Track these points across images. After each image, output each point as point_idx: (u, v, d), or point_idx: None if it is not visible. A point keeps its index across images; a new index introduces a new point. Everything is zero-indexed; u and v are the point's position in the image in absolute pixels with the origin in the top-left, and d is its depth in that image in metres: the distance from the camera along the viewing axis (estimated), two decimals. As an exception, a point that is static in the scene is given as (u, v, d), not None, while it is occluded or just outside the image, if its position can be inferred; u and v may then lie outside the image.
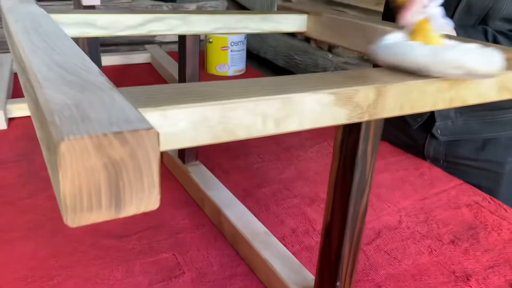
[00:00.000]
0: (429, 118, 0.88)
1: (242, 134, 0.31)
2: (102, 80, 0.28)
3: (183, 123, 0.28)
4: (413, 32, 0.46)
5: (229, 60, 1.47)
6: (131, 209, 0.21)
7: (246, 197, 0.75)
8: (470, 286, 0.57)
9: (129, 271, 0.58)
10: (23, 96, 1.09)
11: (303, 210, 0.72)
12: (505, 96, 0.47)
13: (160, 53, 1.54)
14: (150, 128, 0.21)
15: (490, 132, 0.84)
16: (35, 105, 0.26)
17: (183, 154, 0.80)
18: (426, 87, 0.40)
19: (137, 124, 0.21)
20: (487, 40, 0.71)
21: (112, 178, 0.20)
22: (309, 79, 0.36)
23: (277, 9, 0.88)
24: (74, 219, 0.20)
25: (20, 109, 1.04)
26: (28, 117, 1.05)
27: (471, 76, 0.40)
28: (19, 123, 1.02)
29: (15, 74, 1.33)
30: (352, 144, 0.41)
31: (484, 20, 0.76)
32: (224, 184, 0.74)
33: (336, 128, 0.43)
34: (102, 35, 0.63)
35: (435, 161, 0.91)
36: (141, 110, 0.26)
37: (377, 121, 0.41)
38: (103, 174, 0.20)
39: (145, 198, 0.22)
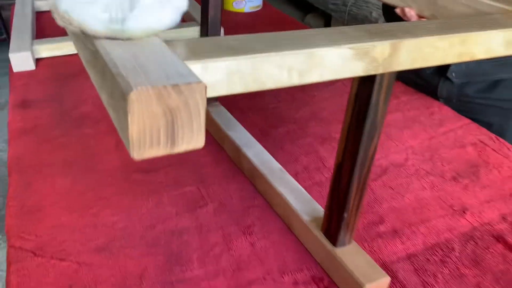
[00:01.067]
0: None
1: (269, 84, 0.35)
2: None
3: (220, 74, 0.32)
4: None
5: (245, -4, 1.47)
6: (182, 146, 0.27)
7: (262, 137, 0.81)
8: (466, 219, 0.63)
9: (159, 202, 0.65)
10: (47, 36, 1.13)
11: (315, 148, 0.78)
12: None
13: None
14: (200, 81, 0.25)
15: (502, 73, 0.86)
16: (94, 55, 0.31)
17: (203, 95, 0.84)
18: (438, 43, 0.43)
19: (189, 78, 0.25)
20: None
21: (169, 121, 0.25)
22: (331, 34, 0.39)
23: None
24: (139, 153, 0.26)
25: (47, 50, 1.08)
26: (55, 57, 1.09)
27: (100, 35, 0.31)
28: (47, 63, 1.06)
29: (37, 13, 1.36)
30: (366, 94, 0.45)
31: None
32: (241, 124, 0.79)
33: (352, 78, 0.46)
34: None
35: (447, 101, 0.94)
36: (187, 63, 0.30)
37: (390, 73, 0.44)
38: (162, 118, 0.25)
39: (194, 138, 0.27)
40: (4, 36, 2.44)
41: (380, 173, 0.71)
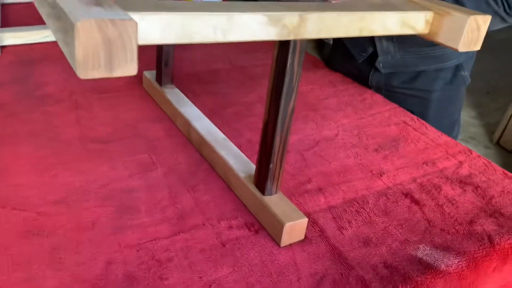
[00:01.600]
0: (373, 54, 1.02)
1: (198, 39, 0.44)
2: None
3: (154, 25, 0.41)
4: None
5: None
6: (118, 72, 0.35)
7: (212, 115, 0.89)
8: (382, 180, 0.73)
9: (113, 166, 0.72)
10: (11, 26, 1.18)
11: (258, 125, 0.86)
12: (406, 31, 0.60)
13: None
14: (132, 19, 0.34)
15: (422, 65, 0.99)
16: (52, 5, 0.39)
17: (160, 78, 0.92)
18: (339, 18, 0.53)
19: (124, 16, 0.34)
20: None
21: (107, 49, 0.34)
22: (254, 5, 0.49)
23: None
24: (84, 74, 0.34)
25: (11, 38, 1.13)
26: (19, 45, 1.15)
27: None
28: (11, 50, 1.12)
29: (2, 5, 1.41)
30: (283, 57, 0.55)
31: None
32: (194, 104, 0.87)
33: (273, 46, 0.56)
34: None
35: (377, 90, 1.05)
36: (128, 12, 0.39)
37: (301, 40, 0.54)
38: (102, 45, 0.33)
39: (127, 66, 0.35)
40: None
41: (313, 145, 0.81)
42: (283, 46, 0.54)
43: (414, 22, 0.60)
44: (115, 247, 0.57)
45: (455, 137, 1.11)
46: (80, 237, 0.58)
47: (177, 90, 0.91)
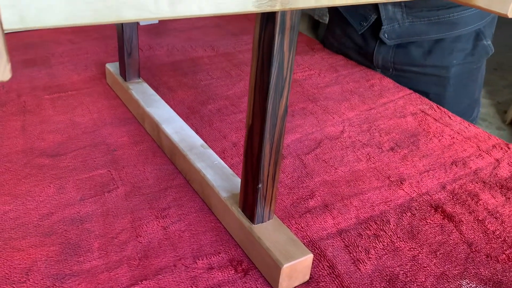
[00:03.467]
0: (376, 23, 0.85)
1: (129, 15, 0.28)
2: None
3: None
4: None
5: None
6: None
7: (191, 114, 0.74)
8: (403, 189, 0.58)
9: (61, 187, 0.56)
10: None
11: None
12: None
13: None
14: None
15: (436, 33, 0.82)
16: None
17: (124, 71, 0.76)
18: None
19: None
20: None
21: None
22: None
23: None
24: None
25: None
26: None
27: None
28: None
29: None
30: (268, 37, 0.39)
31: None
32: (168, 102, 0.71)
33: (255, 23, 0.40)
34: None
35: (384, 70, 0.89)
36: None
37: (292, 12, 0.38)
38: None
39: None
40: None
41: (314, 146, 0.66)
42: (268, 20, 0.38)
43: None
44: (52, 307, 0.42)
45: (474, 120, 0.96)
46: (5, 295, 0.43)
47: (145, 85, 0.75)
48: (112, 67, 0.79)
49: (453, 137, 0.69)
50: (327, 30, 1.02)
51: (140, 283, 0.45)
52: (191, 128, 0.64)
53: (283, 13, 0.37)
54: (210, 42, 1.01)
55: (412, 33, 0.83)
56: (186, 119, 0.70)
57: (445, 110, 0.76)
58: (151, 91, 0.74)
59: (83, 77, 0.83)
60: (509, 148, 0.68)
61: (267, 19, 0.37)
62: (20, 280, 0.44)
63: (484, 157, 0.65)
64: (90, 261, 0.47)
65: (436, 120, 0.73)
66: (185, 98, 0.78)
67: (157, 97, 0.72)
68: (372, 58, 0.89)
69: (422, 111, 0.75)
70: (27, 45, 0.96)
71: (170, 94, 0.79)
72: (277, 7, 0.34)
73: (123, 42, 0.70)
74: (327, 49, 0.98)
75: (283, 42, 0.38)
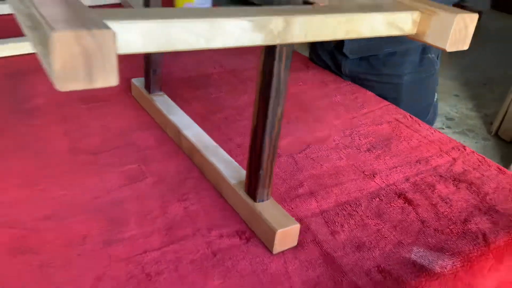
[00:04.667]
0: (341, 42, 1.03)
1: (180, 45, 0.43)
2: (79, 2, 0.40)
3: (134, 33, 0.40)
4: None
5: (195, 0, 1.55)
6: (98, 83, 0.34)
7: (203, 121, 0.88)
8: (374, 181, 0.73)
9: (103, 178, 0.71)
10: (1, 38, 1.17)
11: (249, 130, 0.86)
12: (393, 32, 0.59)
13: (129, -6, 1.60)
14: (110, 29, 0.33)
15: (387, 48, 1.00)
16: (28, 15, 0.38)
17: (149, 85, 0.92)
18: (326, 20, 0.52)
19: (102, 27, 0.33)
20: None
21: (86, 60, 0.33)
22: (236, 11, 0.48)
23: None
24: (62, 86, 0.33)
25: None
26: (6, 57, 1.14)
27: None
28: (-1, 63, 1.11)
29: (-10, 17, 1.40)
30: (270, 63, 0.54)
31: None
32: (184, 111, 0.86)
33: (260, 52, 0.55)
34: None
35: (353, 79, 1.06)
36: (105, 21, 0.38)
37: (287, 45, 0.53)
38: (80, 57, 0.33)
39: (108, 77, 0.34)
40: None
41: (304, 147, 0.81)
42: (269, 51, 0.53)
43: (402, 23, 0.59)
44: (105, 261, 0.56)
45: (430, 121, 1.12)
46: (69, 253, 0.58)
47: (166, 97, 0.91)
48: (138, 82, 0.95)
49: (420, 141, 0.84)
50: (311, 49, 1.19)
51: (168, 246, 0.59)
52: (205, 132, 0.79)
53: (281, 46, 0.52)
54: (219, 61, 1.17)
55: (370, 49, 1.01)
56: (200, 125, 0.85)
57: (416, 119, 0.91)
58: (171, 102, 0.89)
59: (112, 91, 0.98)
60: (465, 149, 0.82)
61: (270, 50, 0.53)
62: (79, 243, 0.59)
63: (444, 156, 0.80)
64: (129, 231, 0.61)
65: (407, 127, 0.88)
66: (198, 108, 0.93)
67: (176, 107, 0.87)
68: (341, 69, 1.07)
69: (396, 120, 0.90)
70: (62, 62, 1.12)
71: (186, 105, 0.94)
72: (277, 42, 0.49)
73: (151, 62, 0.86)
74: (319, 67, 1.13)
75: (281, 66, 0.53)
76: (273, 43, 0.49)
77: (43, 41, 0.34)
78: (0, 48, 1.12)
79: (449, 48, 0.59)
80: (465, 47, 0.60)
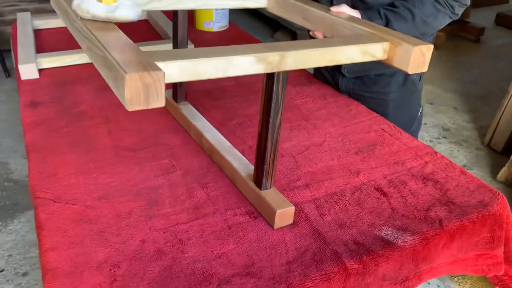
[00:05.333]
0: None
1: (204, 76, 0.62)
2: (135, 46, 0.59)
3: (174, 69, 0.58)
4: None
5: (214, 18, 1.74)
6: (152, 105, 0.53)
7: (220, 127, 1.07)
8: (358, 178, 0.90)
9: (141, 169, 0.90)
10: (45, 50, 1.37)
11: (259, 134, 1.04)
12: (367, 59, 0.77)
13: (156, 11, 1.80)
14: (161, 71, 0.52)
15: (379, 70, 1.17)
16: (103, 57, 0.57)
17: (176, 96, 1.10)
18: (311, 53, 0.70)
19: (156, 69, 0.52)
20: (380, 17, 1.01)
21: (145, 91, 0.52)
22: (243, 47, 0.66)
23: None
24: (130, 108, 0.51)
25: (48, 62, 1.32)
26: (55, 68, 1.33)
27: (100, 18, 0.71)
28: (48, 73, 1.31)
29: (35, 31, 1.60)
30: (270, 85, 0.72)
31: None
32: (204, 117, 1.05)
33: (263, 77, 0.73)
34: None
35: (348, 94, 1.24)
36: (156, 62, 0.56)
37: (283, 72, 0.71)
38: (142, 89, 0.51)
39: (158, 101, 0.53)
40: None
41: (303, 150, 0.98)
42: (270, 76, 0.71)
43: (374, 51, 0.77)
44: (147, 230, 0.75)
45: (414, 132, 1.29)
46: (119, 223, 0.76)
47: (190, 106, 1.09)
48: (167, 93, 1.14)
49: (400, 147, 1.01)
50: (315, 67, 1.38)
51: (194, 221, 0.77)
52: (222, 135, 0.97)
53: (278, 72, 0.71)
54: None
55: (364, 69, 1.18)
56: (218, 129, 1.03)
57: (399, 129, 1.08)
58: (194, 110, 1.08)
59: (145, 99, 1.17)
60: (436, 154, 0.99)
61: (270, 75, 0.71)
62: (126, 217, 0.77)
63: (418, 160, 0.97)
64: (164, 209, 0.80)
65: (391, 135, 1.05)
66: (216, 115, 1.12)
67: (199, 114, 1.06)
68: (339, 86, 1.24)
69: (382, 129, 1.08)
70: (99, 74, 1.31)
71: (206, 112, 1.12)
72: (275, 70, 0.67)
73: (178, 77, 1.04)
74: (321, 82, 1.31)
75: (278, 87, 0.71)
76: (272, 71, 0.68)
77: (118, 79, 0.53)
78: (50, 60, 1.32)
79: (411, 71, 0.76)
80: (424, 69, 0.78)
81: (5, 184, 1.84)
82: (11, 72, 2.79)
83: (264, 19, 3.85)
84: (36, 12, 2.93)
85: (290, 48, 0.68)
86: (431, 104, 2.68)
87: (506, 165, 1.96)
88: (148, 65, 0.54)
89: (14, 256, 1.51)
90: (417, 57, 0.75)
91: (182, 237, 0.74)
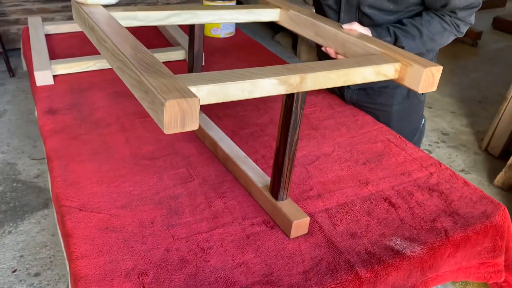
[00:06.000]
0: None
1: (232, 98, 0.66)
2: (167, 69, 0.63)
3: (204, 92, 0.63)
4: None
5: (221, 25, 1.78)
6: (187, 128, 0.57)
7: (233, 136, 1.11)
8: (367, 188, 0.95)
9: (160, 178, 0.94)
10: (58, 58, 1.40)
11: (271, 143, 1.08)
12: (380, 78, 0.81)
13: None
14: (197, 97, 0.56)
15: (383, 82, 1.21)
16: (138, 81, 0.61)
17: (189, 105, 1.14)
18: (329, 75, 0.74)
19: (192, 95, 0.56)
20: (390, 34, 1.05)
21: (182, 115, 0.56)
22: (267, 70, 0.70)
23: (260, 2, 1.20)
24: (168, 131, 0.56)
25: (62, 68, 1.36)
26: (69, 74, 1.37)
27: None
28: (62, 79, 1.34)
29: (46, 35, 1.63)
30: (289, 104, 0.76)
31: (358, 6, 1.12)
32: (218, 126, 1.09)
33: (282, 96, 0.77)
34: (140, 25, 0.96)
35: (352, 104, 1.28)
36: (189, 87, 0.60)
37: (302, 92, 0.75)
38: (179, 114, 0.55)
39: (193, 124, 0.57)
40: (0, 49, 2.67)
41: (314, 159, 1.03)
42: (290, 96, 0.75)
43: (386, 71, 0.81)
44: (170, 239, 0.79)
45: (416, 143, 1.34)
46: (143, 232, 0.80)
47: (204, 115, 1.13)
48: (181, 102, 1.17)
49: (406, 158, 1.06)
50: None
51: (214, 230, 0.81)
52: (236, 144, 1.02)
53: (298, 93, 0.75)
54: (243, 82, 1.39)
55: (368, 83, 1.22)
56: (231, 138, 1.07)
57: (404, 139, 1.13)
58: (208, 119, 1.12)
59: (159, 107, 1.21)
60: (441, 166, 1.04)
61: (290, 95, 0.75)
62: (149, 225, 0.82)
63: (423, 171, 1.02)
64: (185, 218, 0.84)
65: (396, 146, 1.10)
66: (228, 124, 1.16)
67: (213, 123, 1.10)
68: (344, 96, 1.29)
69: (388, 139, 1.12)
70: (114, 80, 1.34)
71: (219, 121, 1.16)
72: (295, 91, 0.72)
73: (194, 88, 1.08)
74: (327, 91, 1.36)
75: (297, 106, 0.75)
76: (292, 92, 0.72)
77: (156, 103, 0.57)
78: (64, 66, 1.36)
79: (421, 91, 0.81)
80: (434, 89, 0.82)
81: (14, 185, 1.88)
82: (15, 72, 2.81)
83: (266, 22, 3.89)
84: (41, 12, 2.96)
85: (309, 70, 0.72)
86: (430, 108, 2.74)
87: (503, 170, 2.02)
88: (183, 91, 0.58)
89: (25, 257, 1.55)
90: (427, 78, 0.80)
91: (203, 246, 0.78)
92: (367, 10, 1.11)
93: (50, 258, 1.55)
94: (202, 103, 0.64)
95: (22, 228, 1.66)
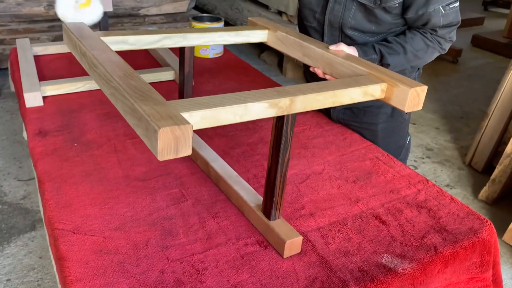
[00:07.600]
0: None
1: (224, 122, 0.68)
2: (160, 96, 0.64)
3: (197, 118, 0.64)
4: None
5: (210, 46, 1.80)
6: (181, 154, 0.58)
7: (224, 155, 1.12)
8: (358, 206, 0.97)
9: (153, 199, 0.94)
10: (47, 79, 1.41)
11: (262, 163, 1.10)
12: (367, 98, 0.84)
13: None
14: (189, 124, 0.57)
15: (367, 103, 1.24)
16: (132, 108, 0.62)
17: (180, 125, 1.15)
18: (317, 97, 0.76)
19: (185, 122, 0.57)
20: (375, 52, 1.09)
21: (175, 142, 0.57)
22: (257, 94, 0.72)
23: (249, 24, 1.23)
24: (162, 157, 0.57)
25: (51, 89, 1.36)
26: (58, 95, 1.37)
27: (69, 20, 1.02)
28: (52, 100, 1.34)
29: (34, 56, 1.63)
30: (280, 126, 0.78)
31: (341, 29, 1.16)
32: (209, 146, 1.10)
33: (273, 119, 0.79)
34: (132, 49, 0.97)
35: (338, 123, 1.31)
36: (181, 113, 0.62)
37: (292, 114, 0.77)
38: (173, 141, 0.57)
39: (186, 150, 0.58)
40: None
41: (305, 178, 1.04)
42: (280, 118, 0.77)
43: (373, 92, 0.84)
44: (165, 261, 0.79)
45: (403, 160, 1.37)
46: (138, 254, 0.80)
47: (195, 136, 1.14)
48: (172, 122, 1.19)
49: (394, 175, 1.08)
50: None
51: (208, 251, 0.82)
52: (227, 164, 1.03)
53: (288, 115, 0.77)
54: (233, 102, 1.41)
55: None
56: (222, 158, 1.08)
57: (392, 157, 1.15)
58: (200, 139, 1.13)
59: (150, 128, 1.22)
60: (428, 182, 1.07)
61: (280, 117, 0.77)
62: (143, 247, 0.82)
63: (411, 188, 1.04)
64: (179, 239, 0.84)
65: (384, 163, 1.13)
66: (220, 144, 1.17)
67: (204, 143, 1.11)
68: (330, 115, 1.32)
69: (376, 157, 1.15)
70: (103, 101, 1.35)
71: (210, 141, 1.18)
72: (285, 113, 0.73)
73: (186, 109, 1.10)
74: (315, 110, 1.38)
75: (287, 128, 0.77)
76: (282, 114, 0.74)
77: (149, 131, 0.58)
78: (54, 87, 1.36)
79: (407, 110, 0.84)
80: (419, 108, 0.85)
81: (0, 207, 1.85)
82: (0, 92, 2.79)
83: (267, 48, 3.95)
84: (26, 32, 2.95)
85: (299, 93, 0.74)
86: (414, 124, 2.79)
87: (487, 184, 2.07)
88: (176, 118, 0.59)
89: (12, 281, 1.52)
90: (412, 98, 0.82)
91: (198, 267, 0.78)
92: (349, 32, 1.15)
93: (37, 281, 1.52)
94: (195, 128, 0.65)
95: (8, 251, 1.63)
